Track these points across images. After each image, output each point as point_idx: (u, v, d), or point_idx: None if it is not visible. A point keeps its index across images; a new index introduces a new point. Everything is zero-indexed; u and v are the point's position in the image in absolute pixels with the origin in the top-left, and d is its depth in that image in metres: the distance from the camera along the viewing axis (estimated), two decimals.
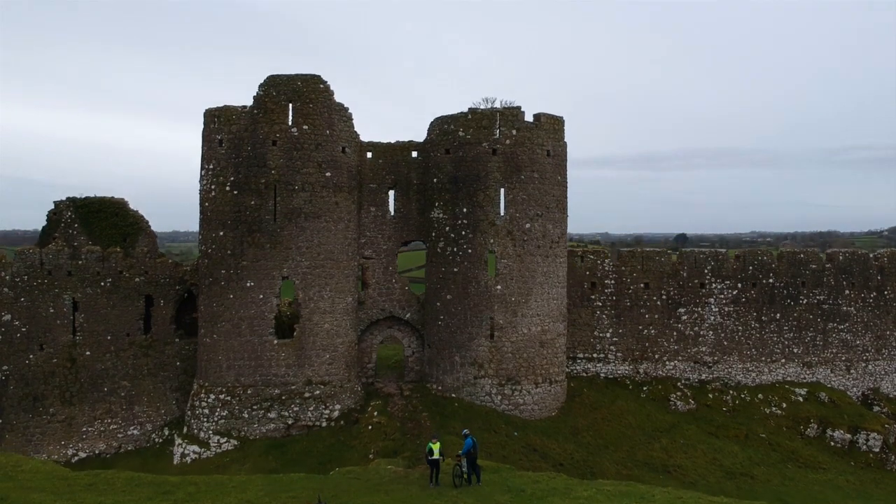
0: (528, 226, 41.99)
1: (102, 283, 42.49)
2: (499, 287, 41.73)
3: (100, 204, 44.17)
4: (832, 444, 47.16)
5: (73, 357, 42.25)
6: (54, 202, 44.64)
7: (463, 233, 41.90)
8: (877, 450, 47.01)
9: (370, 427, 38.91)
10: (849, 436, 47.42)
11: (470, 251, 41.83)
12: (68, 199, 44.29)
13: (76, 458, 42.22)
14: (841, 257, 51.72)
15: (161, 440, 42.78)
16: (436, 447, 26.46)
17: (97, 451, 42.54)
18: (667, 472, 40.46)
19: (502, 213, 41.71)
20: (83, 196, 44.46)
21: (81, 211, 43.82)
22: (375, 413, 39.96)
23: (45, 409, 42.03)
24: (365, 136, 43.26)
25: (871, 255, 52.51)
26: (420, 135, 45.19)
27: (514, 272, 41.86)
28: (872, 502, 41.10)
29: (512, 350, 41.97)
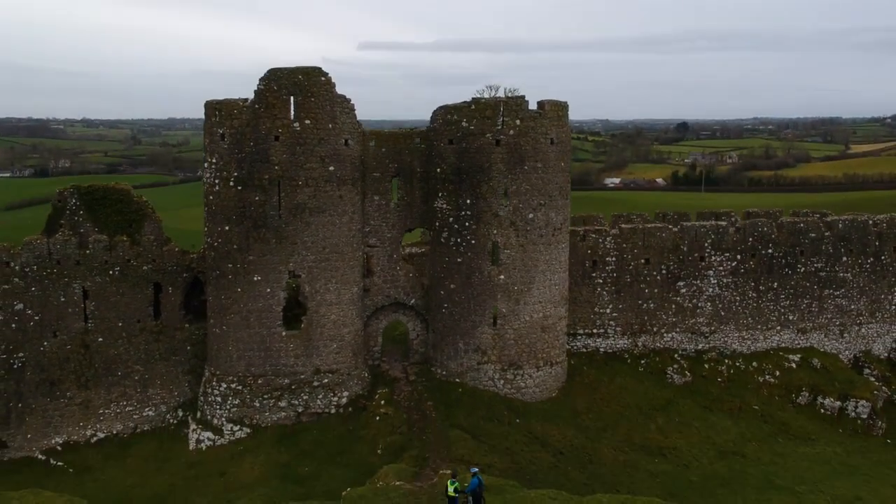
0: (531, 216, 42.34)
1: (111, 272, 43.17)
2: (502, 277, 42.47)
3: (104, 192, 44.24)
4: (822, 411, 48.95)
5: (86, 343, 43.39)
6: (58, 190, 44.81)
7: (466, 224, 42.28)
8: (864, 416, 48.83)
9: (377, 418, 40.46)
10: (838, 403, 49.14)
11: (473, 242, 42.33)
12: (72, 187, 44.36)
13: (95, 438, 44.07)
14: (840, 225, 52.19)
15: (175, 421, 44.47)
16: (451, 486, 27.83)
17: (115, 431, 44.32)
18: (662, 454, 42.36)
19: (506, 204, 41.97)
20: (87, 185, 44.54)
21: (86, 199, 43.95)
22: (382, 402, 41.43)
23: (62, 393, 43.49)
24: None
25: (871, 221, 52.95)
26: None
27: (516, 262, 42.50)
28: (857, 476, 43.01)
29: (514, 337, 43.11)
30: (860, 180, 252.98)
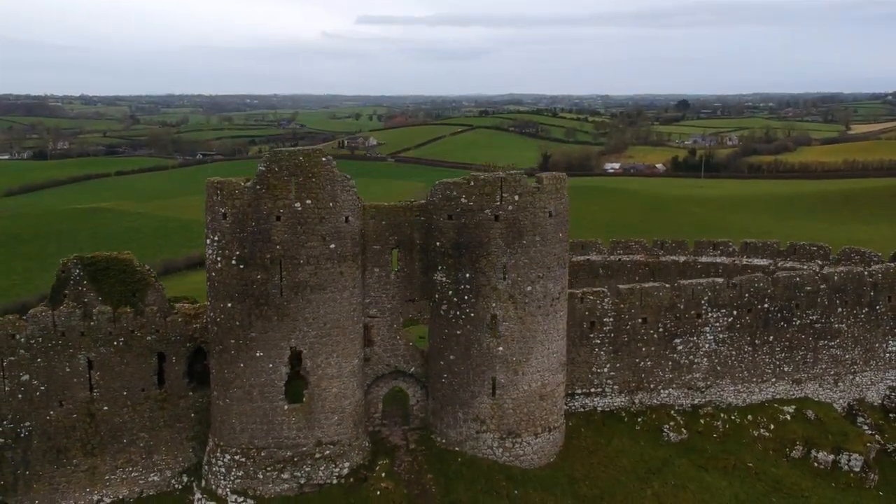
0: (529, 288, 42.88)
1: (115, 343, 43.74)
2: (500, 348, 43.12)
3: (107, 262, 44.77)
4: (816, 464, 49.78)
5: (91, 412, 44.08)
6: (62, 261, 45.29)
7: (465, 297, 42.83)
8: (857, 469, 49.72)
9: (378, 492, 41.28)
10: (832, 456, 49.99)
11: (472, 315, 42.91)
12: (75, 257, 44.87)
13: (101, 503, 44.86)
14: (836, 277, 52.72)
15: (181, 486, 45.29)
16: None
17: (120, 497, 45.09)
18: None
19: (504, 279, 42.49)
20: (90, 255, 45.03)
21: (89, 269, 44.47)
22: (383, 474, 42.24)
23: (68, 460, 44.24)
24: None
25: (866, 273, 53.48)
26: None
27: (515, 334, 43.12)
28: None
29: (513, 406, 43.85)
30: (860, 167, 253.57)
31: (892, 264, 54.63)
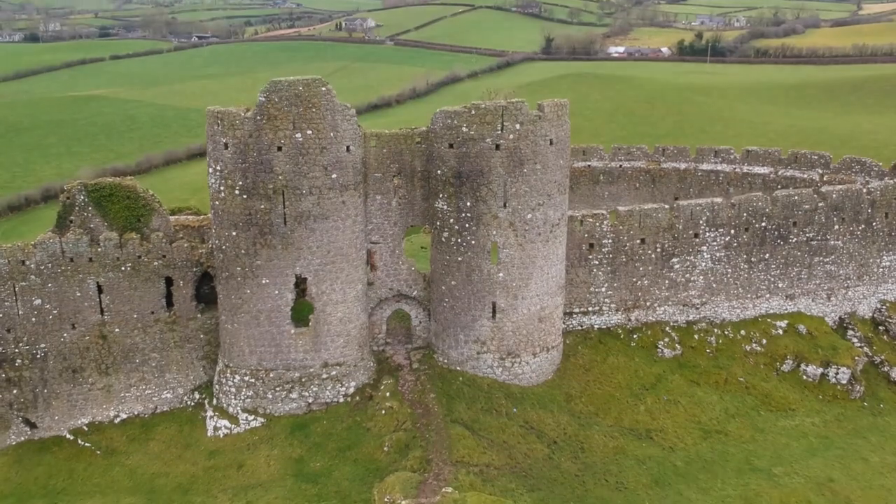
0: (529, 216, 43.43)
1: (123, 268, 44.72)
2: (501, 274, 44.05)
3: (111, 188, 45.05)
4: (804, 377, 51.56)
5: (103, 334, 45.52)
6: (65, 188, 45.67)
7: (467, 225, 43.42)
8: (844, 382, 51.54)
9: (383, 411, 43.12)
10: (820, 370, 51.71)
11: (473, 242, 43.63)
12: (80, 184, 45.16)
13: (118, 418, 46.95)
14: (834, 195, 53.06)
15: (193, 403, 47.22)
16: None
17: (136, 412, 47.14)
18: (650, 437, 45.27)
19: (505, 207, 42.97)
20: (94, 181, 45.34)
21: (94, 195, 44.83)
22: (388, 394, 43.99)
23: (84, 379, 46.05)
24: None
25: (864, 190, 53.82)
26: None
27: (515, 260, 43.96)
28: (831, 451, 46.34)
29: (512, 329, 45.15)
30: (869, 52, 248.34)
31: (892, 181, 54.85)
